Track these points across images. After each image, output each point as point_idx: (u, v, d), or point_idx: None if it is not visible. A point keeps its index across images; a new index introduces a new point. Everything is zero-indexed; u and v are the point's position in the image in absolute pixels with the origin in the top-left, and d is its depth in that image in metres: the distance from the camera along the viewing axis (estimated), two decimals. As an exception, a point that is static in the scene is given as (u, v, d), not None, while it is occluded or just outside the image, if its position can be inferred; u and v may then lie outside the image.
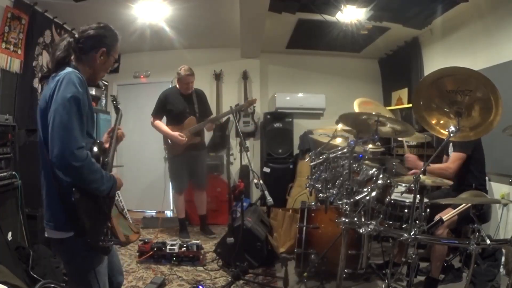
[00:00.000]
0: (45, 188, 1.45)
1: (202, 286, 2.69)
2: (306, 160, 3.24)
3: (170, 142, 3.92)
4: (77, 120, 1.35)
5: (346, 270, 2.58)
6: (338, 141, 3.02)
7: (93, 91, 4.23)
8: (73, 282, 1.53)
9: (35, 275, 2.34)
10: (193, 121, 3.86)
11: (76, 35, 1.51)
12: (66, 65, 1.46)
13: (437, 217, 2.37)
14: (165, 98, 3.93)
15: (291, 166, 5.01)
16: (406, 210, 2.25)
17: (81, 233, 1.38)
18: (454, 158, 2.58)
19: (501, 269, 2.73)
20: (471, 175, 2.60)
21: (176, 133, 3.80)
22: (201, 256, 3.23)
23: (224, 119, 4.60)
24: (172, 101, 3.90)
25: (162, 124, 3.94)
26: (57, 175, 1.36)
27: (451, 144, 2.73)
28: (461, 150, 2.56)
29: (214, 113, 4.03)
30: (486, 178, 2.76)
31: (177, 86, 3.95)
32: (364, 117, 2.19)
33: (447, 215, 2.39)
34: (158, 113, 3.94)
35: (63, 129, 1.30)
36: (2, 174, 2.50)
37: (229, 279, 2.78)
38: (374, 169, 2.44)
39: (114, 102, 1.95)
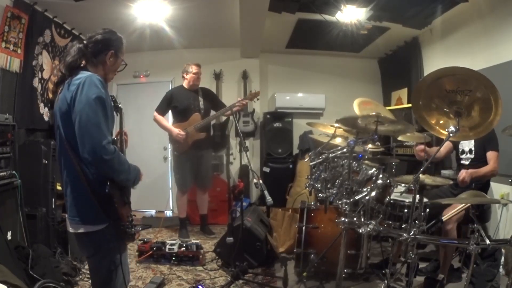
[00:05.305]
0: (69, 186, 1.50)
1: (201, 286, 2.68)
2: (305, 160, 3.24)
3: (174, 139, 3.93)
4: (103, 117, 1.43)
5: (345, 270, 2.58)
6: (338, 141, 3.02)
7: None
8: (98, 274, 1.57)
9: (34, 275, 2.34)
10: (198, 118, 3.87)
11: (85, 41, 1.58)
12: (80, 69, 1.53)
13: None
14: (171, 95, 3.97)
15: (291, 166, 5.01)
16: (405, 210, 2.26)
17: (117, 221, 1.48)
18: (495, 158, 2.60)
19: (501, 269, 2.72)
20: None
21: (175, 130, 3.80)
22: (201, 256, 3.23)
23: (224, 118, 4.60)
24: (177, 97, 3.93)
25: (163, 119, 3.94)
26: (87, 171, 1.44)
27: (472, 142, 2.71)
28: (496, 149, 2.60)
29: (213, 112, 4.01)
30: None
31: (184, 83, 3.99)
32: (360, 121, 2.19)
33: (448, 214, 2.39)
34: (161, 109, 3.95)
35: (92, 126, 1.38)
36: (1, 174, 2.50)
37: (229, 279, 2.78)
38: (373, 169, 2.44)
39: (114, 102, 1.90)
